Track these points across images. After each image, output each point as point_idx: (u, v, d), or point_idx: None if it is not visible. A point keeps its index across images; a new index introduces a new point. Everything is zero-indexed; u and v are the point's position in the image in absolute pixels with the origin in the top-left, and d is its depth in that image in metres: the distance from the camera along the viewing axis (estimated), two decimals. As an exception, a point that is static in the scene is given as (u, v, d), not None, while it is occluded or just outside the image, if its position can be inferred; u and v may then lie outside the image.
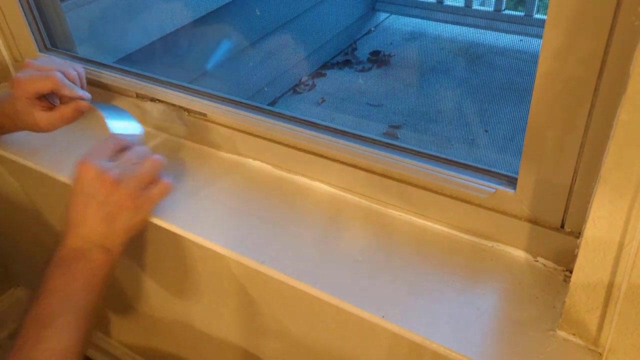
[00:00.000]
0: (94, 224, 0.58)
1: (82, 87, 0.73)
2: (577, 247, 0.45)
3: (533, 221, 0.55)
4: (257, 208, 0.67)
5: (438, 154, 0.61)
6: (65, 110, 0.71)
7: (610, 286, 0.45)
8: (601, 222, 0.43)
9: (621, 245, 0.43)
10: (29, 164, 0.79)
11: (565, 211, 0.53)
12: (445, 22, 1.76)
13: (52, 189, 0.95)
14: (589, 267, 0.45)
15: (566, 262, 0.55)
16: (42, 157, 0.78)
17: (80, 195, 0.59)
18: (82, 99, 0.71)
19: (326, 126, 0.68)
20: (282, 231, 0.63)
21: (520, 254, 0.58)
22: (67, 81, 0.70)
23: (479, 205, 0.58)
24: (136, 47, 1.17)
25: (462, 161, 0.60)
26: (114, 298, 1.05)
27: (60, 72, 0.70)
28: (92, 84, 0.85)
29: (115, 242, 0.60)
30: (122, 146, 0.63)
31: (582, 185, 0.50)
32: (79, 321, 0.52)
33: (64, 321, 0.50)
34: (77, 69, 0.73)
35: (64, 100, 0.71)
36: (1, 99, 0.74)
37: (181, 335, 0.96)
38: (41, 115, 0.71)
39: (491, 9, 1.65)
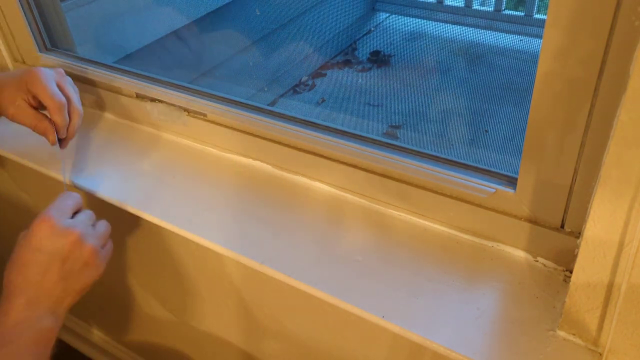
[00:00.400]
0: (50, 284, 0.54)
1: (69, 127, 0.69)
2: (577, 247, 0.45)
3: (533, 221, 0.55)
4: (257, 208, 0.67)
5: (438, 154, 0.61)
6: (42, 123, 0.68)
7: (610, 286, 0.45)
8: (601, 222, 0.43)
9: (621, 245, 0.43)
10: (28, 163, 0.79)
11: (565, 211, 0.53)
12: (445, 22, 1.76)
13: (52, 189, 0.95)
14: (589, 267, 0.45)
15: (566, 262, 0.55)
16: (41, 157, 0.78)
17: (38, 254, 0.55)
18: (57, 132, 0.68)
19: (326, 126, 0.68)
20: (282, 231, 0.63)
21: (520, 254, 0.58)
22: (66, 115, 0.67)
23: (479, 205, 0.58)
24: (136, 47, 1.17)
25: (462, 161, 0.60)
26: (114, 298, 1.05)
27: (68, 104, 0.67)
28: (92, 84, 0.85)
29: (65, 306, 0.56)
30: (79, 206, 0.62)
31: (582, 185, 0.50)
32: None
33: None
34: (79, 112, 0.70)
35: (47, 111, 0.68)
36: None
37: (181, 335, 0.96)
38: (20, 104, 0.67)
39: (491, 9, 1.65)
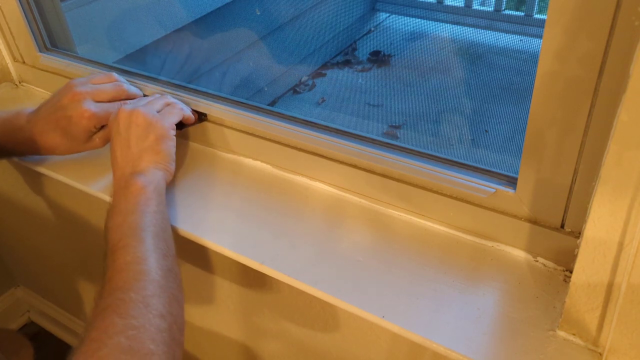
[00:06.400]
0: (120, 156, 0.65)
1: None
2: (577, 247, 0.45)
3: (533, 221, 0.55)
4: (257, 208, 0.67)
5: (438, 154, 0.61)
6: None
7: (610, 286, 0.45)
8: (601, 222, 0.43)
9: (621, 245, 0.43)
10: (30, 164, 0.79)
11: (565, 211, 0.53)
12: (445, 22, 1.76)
13: (53, 190, 0.95)
14: (589, 267, 0.45)
15: (566, 262, 0.55)
16: (44, 158, 0.78)
17: (113, 141, 0.67)
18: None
19: (326, 126, 0.68)
20: (282, 231, 0.63)
21: (520, 254, 0.58)
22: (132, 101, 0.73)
23: (479, 205, 0.58)
24: (136, 47, 1.17)
25: (462, 161, 0.60)
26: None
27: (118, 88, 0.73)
28: (92, 84, 0.85)
29: (143, 164, 0.64)
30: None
31: (582, 185, 0.50)
32: (131, 240, 0.56)
33: (121, 244, 0.56)
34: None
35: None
36: (24, 128, 0.72)
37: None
38: (98, 135, 0.72)
39: (491, 9, 1.65)
